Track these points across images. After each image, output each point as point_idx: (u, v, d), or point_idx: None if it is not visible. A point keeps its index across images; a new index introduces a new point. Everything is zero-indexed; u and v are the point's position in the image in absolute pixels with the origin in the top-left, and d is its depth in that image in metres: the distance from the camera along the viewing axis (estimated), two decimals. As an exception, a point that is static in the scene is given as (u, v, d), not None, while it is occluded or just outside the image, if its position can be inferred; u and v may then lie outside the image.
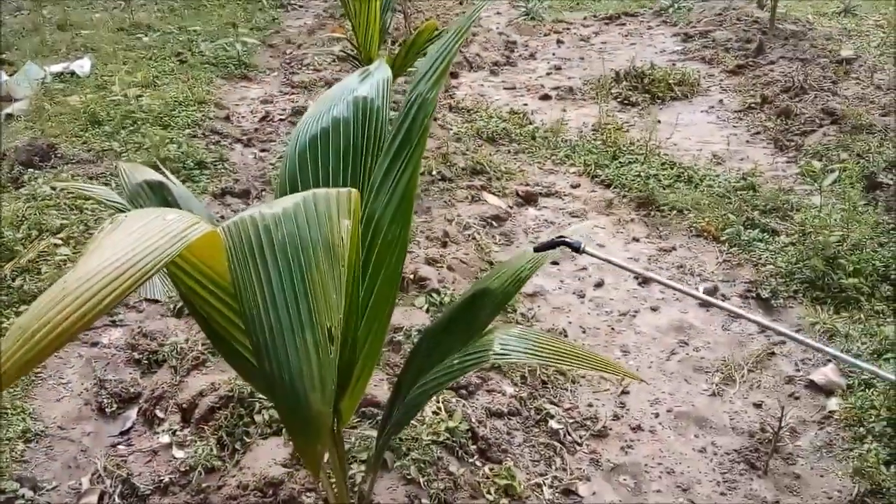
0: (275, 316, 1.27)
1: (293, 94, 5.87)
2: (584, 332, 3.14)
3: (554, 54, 7.14)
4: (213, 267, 1.45)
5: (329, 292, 1.27)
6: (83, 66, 5.83)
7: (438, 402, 2.48)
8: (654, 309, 3.30)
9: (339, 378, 1.58)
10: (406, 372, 1.70)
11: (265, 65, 6.58)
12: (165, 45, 6.72)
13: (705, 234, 3.84)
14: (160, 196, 1.74)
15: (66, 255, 3.39)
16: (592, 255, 1.70)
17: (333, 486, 1.83)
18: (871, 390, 2.64)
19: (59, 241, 3.48)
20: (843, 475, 2.41)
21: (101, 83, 5.60)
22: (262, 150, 4.85)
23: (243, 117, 5.38)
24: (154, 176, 1.79)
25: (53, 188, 3.92)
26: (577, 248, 1.84)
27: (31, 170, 4.24)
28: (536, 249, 1.84)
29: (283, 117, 5.38)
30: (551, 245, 1.79)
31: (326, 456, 2.06)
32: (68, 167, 4.32)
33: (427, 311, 3.02)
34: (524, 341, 1.59)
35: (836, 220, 3.51)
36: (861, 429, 2.52)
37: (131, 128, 4.79)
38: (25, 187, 4.03)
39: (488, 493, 2.27)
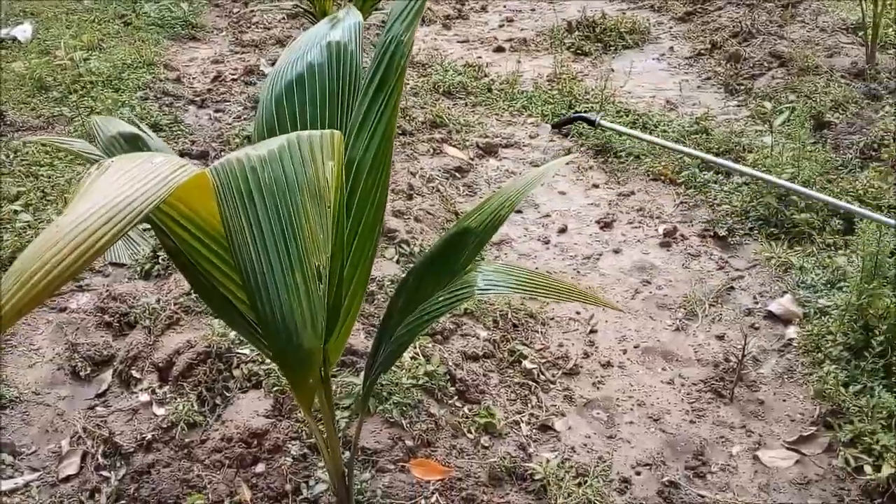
0: (265, 256, 1.30)
1: (244, 53, 5.78)
2: (550, 275, 3.21)
3: (505, 6, 7.13)
4: (198, 213, 1.46)
5: (316, 232, 1.29)
6: (25, 31, 5.64)
7: (416, 347, 2.53)
8: (616, 251, 3.38)
9: (326, 321, 1.62)
10: (391, 312, 1.74)
11: (213, 25, 6.45)
12: (108, 8, 6.52)
13: (662, 177, 3.93)
14: (136, 147, 1.73)
15: (27, 220, 3.33)
16: (608, 128, 1.67)
17: (322, 430, 1.87)
18: (827, 317, 2.77)
19: (19, 208, 3.41)
20: (805, 398, 2.54)
21: (44, 48, 5.43)
22: (217, 111, 4.78)
23: (195, 78, 5.28)
24: (128, 128, 1.78)
25: (21, 147, 3.82)
26: (592, 122, 1.83)
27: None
28: (554, 126, 1.82)
29: (235, 77, 5.30)
30: (568, 121, 1.80)
31: (315, 400, 2.10)
32: (18, 134, 4.21)
33: (397, 262, 3.05)
34: (506, 276, 1.64)
35: (786, 158, 3.62)
36: (819, 354, 2.64)
37: (80, 92, 4.68)
38: (-25, 156, 3.93)
39: (469, 431, 2.34)
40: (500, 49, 5.99)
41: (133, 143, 1.76)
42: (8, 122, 4.31)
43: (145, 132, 1.85)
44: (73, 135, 4.19)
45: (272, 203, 1.28)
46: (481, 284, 1.61)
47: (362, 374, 2.39)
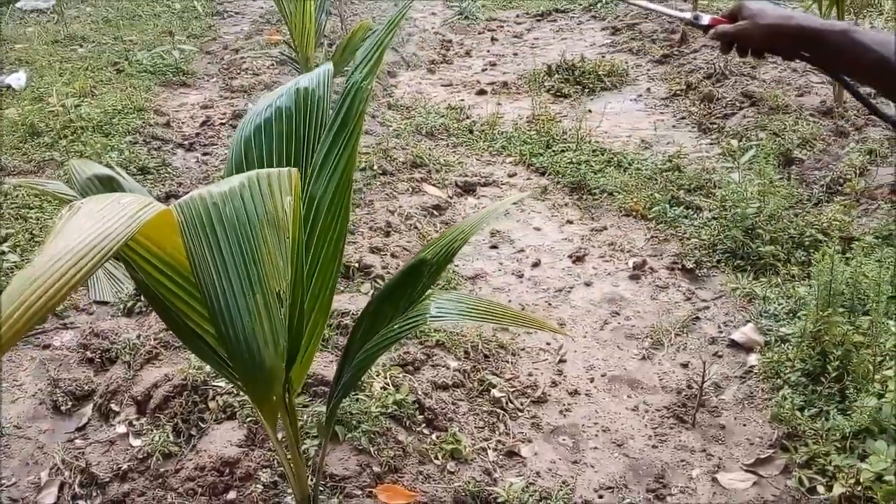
0: (227, 283, 1.40)
1: (233, 98, 5.94)
2: (523, 308, 3.30)
3: (489, 51, 7.34)
4: (165, 249, 1.56)
5: (276, 260, 1.39)
6: (19, 79, 5.81)
7: (386, 377, 2.62)
8: (587, 284, 3.48)
9: (288, 349, 1.71)
10: (352, 340, 1.83)
11: (203, 71, 6.63)
12: (101, 56, 6.71)
13: (634, 213, 4.05)
14: (110, 188, 1.83)
15: (14, 261, 3.43)
16: (633, 4, 1.71)
17: (289, 458, 1.95)
18: (787, 345, 2.86)
19: (6, 249, 3.51)
20: (764, 423, 2.62)
21: (37, 95, 5.59)
22: (205, 154, 4.92)
23: (184, 123, 5.43)
24: (103, 170, 1.89)
25: (12, 191, 3.94)
26: None
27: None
28: None
29: (223, 121, 5.45)
30: None
31: (281, 434, 2.19)
32: (9, 179, 4.33)
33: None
34: (458, 304, 1.74)
35: (753, 193, 3.74)
36: (778, 380, 2.73)
37: (71, 137, 4.81)
38: (-34, 200, 4.05)
39: (436, 457, 2.42)
40: (482, 92, 6.17)
41: (107, 185, 1.87)
42: (0, 167, 4.44)
43: (120, 174, 1.96)
44: (62, 178, 4.31)
45: (233, 234, 1.39)
46: (434, 312, 1.70)
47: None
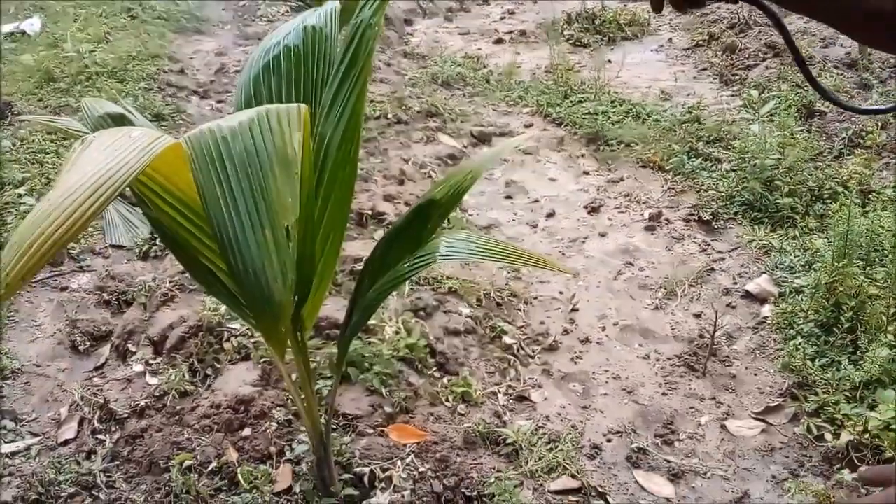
0: (237, 218, 1.40)
1: (247, 45, 5.89)
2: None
3: (507, -1, 7.22)
4: (178, 186, 1.57)
5: (285, 196, 1.39)
6: (33, 24, 5.78)
7: (398, 322, 2.63)
8: (602, 235, 3.47)
9: (299, 288, 1.73)
10: (362, 280, 1.84)
11: (217, 18, 6.57)
12: (115, 2, 6.65)
13: (651, 164, 4.01)
14: (121, 125, 1.84)
15: (31, 204, 3.46)
16: None
17: (302, 396, 1.98)
18: (801, 296, 2.85)
19: (23, 192, 3.54)
20: (775, 372, 2.63)
21: (52, 41, 5.56)
22: (219, 102, 4.90)
23: (198, 70, 5.41)
24: (115, 108, 1.89)
25: (28, 136, 3.95)
26: None
27: (-11, 127, 4.27)
28: None
29: (237, 69, 5.41)
30: None
31: (294, 374, 2.22)
32: (26, 123, 4.34)
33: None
34: (468, 243, 1.74)
35: (772, 144, 3.69)
36: (791, 330, 2.73)
37: (86, 83, 4.81)
38: (-17, 144, 4.07)
39: (446, 400, 2.44)
40: (500, 41, 6.09)
41: (119, 122, 1.87)
42: (16, 112, 4.45)
43: (131, 112, 1.96)
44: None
45: (242, 169, 1.38)
46: (444, 251, 1.71)
47: (345, 345, 2.49)
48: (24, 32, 5.72)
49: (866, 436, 2.23)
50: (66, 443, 2.41)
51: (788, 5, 1.28)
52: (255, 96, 1.83)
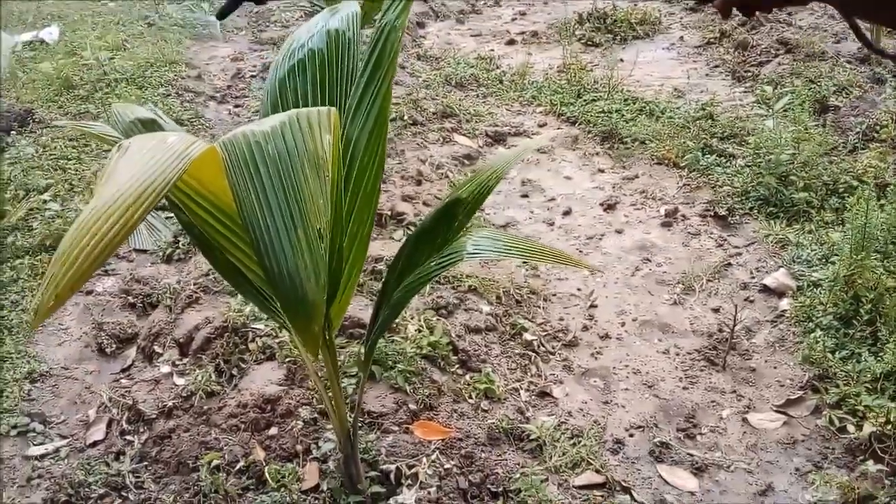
0: (271, 220, 1.44)
1: (262, 50, 5.95)
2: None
3: (518, 0, 7.24)
4: (210, 189, 1.61)
5: (316, 197, 1.43)
6: (52, 33, 5.86)
7: (420, 320, 2.67)
8: (618, 232, 3.49)
9: (329, 287, 1.76)
10: (389, 278, 1.87)
11: (232, 24, 6.63)
12: (132, 10, 6.73)
13: (666, 161, 4.03)
14: (152, 130, 1.88)
15: (55, 210, 3.51)
16: None
17: (329, 394, 2.01)
18: (819, 289, 2.86)
19: (48, 198, 3.60)
20: (795, 365, 2.64)
21: (70, 49, 5.63)
22: (237, 106, 4.95)
23: (215, 76, 5.46)
24: (145, 113, 1.93)
25: (50, 143, 4.01)
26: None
27: (11, 134, 4.33)
28: (219, 16, 1.64)
29: (254, 73, 5.47)
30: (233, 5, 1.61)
31: (322, 369, 2.25)
32: (47, 131, 4.41)
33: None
34: (494, 241, 1.77)
35: (787, 140, 3.70)
36: (810, 324, 2.74)
37: (105, 90, 4.87)
38: (7, 152, 4.13)
39: (470, 396, 2.47)
40: (511, 42, 6.12)
41: (149, 127, 1.91)
42: (37, 120, 4.51)
43: (161, 117, 2.00)
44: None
45: (275, 172, 1.42)
46: (470, 249, 1.74)
47: (369, 344, 2.53)
48: (42, 41, 5.80)
49: (889, 427, 2.24)
50: (94, 444, 2.46)
51: (861, 16, 1.29)
52: (281, 99, 1.87)
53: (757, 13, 1.25)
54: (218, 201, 1.63)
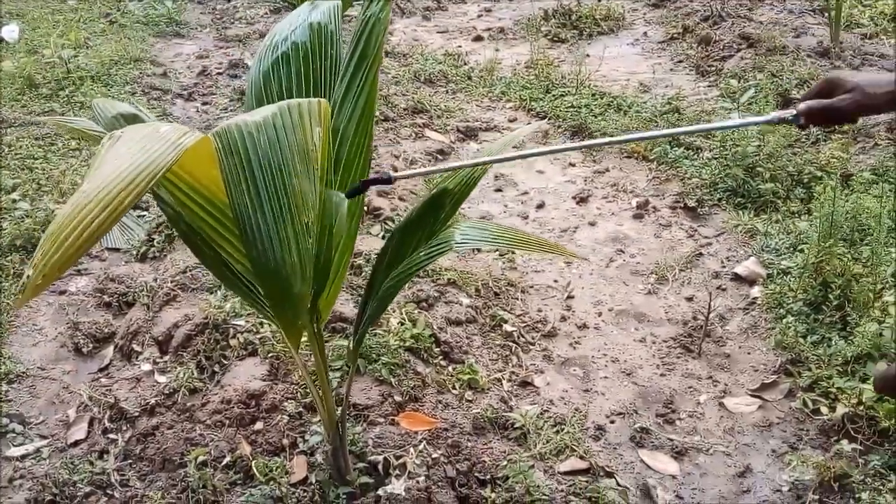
0: (260, 212, 1.44)
1: (228, 47, 5.91)
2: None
3: (483, -3, 7.28)
4: (198, 178, 1.60)
5: (306, 191, 1.43)
6: (12, 31, 5.74)
7: (402, 314, 2.68)
8: (592, 224, 3.54)
9: (316, 279, 1.77)
10: (377, 269, 1.89)
11: (196, 21, 6.57)
12: (92, 7, 6.63)
13: (635, 155, 4.09)
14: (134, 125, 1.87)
15: (25, 209, 3.46)
16: (404, 177, 1.61)
17: (317, 384, 2.02)
18: (789, 277, 2.94)
19: (17, 197, 3.54)
20: (767, 351, 2.71)
21: (31, 48, 5.53)
22: (204, 104, 4.91)
23: (181, 73, 5.41)
24: (127, 108, 1.92)
25: (15, 142, 3.94)
26: (387, 181, 1.65)
27: (-27, 134, 4.25)
28: (349, 196, 1.70)
29: (220, 71, 5.43)
30: (361, 188, 1.69)
31: (311, 360, 2.25)
32: (11, 130, 4.33)
33: (382, 237, 3.20)
34: (483, 231, 1.80)
35: (752, 132, 3.79)
36: (781, 310, 2.81)
37: (70, 88, 4.79)
38: (-30, 151, 4.05)
39: (453, 387, 2.50)
40: (478, 38, 6.15)
41: (132, 121, 1.90)
42: (1, 119, 4.43)
43: (143, 112, 1.99)
44: (63, 129, 4.31)
45: (266, 163, 1.42)
46: (458, 239, 1.76)
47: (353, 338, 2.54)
48: (2, 40, 5.68)
49: (861, 407, 2.32)
50: (76, 444, 2.43)
51: None
52: (265, 92, 1.87)
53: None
54: (208, 193, 1.62)
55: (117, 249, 3.39)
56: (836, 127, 1.28)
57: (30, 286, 1.15)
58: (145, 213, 3.59)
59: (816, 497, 2.15)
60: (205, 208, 1.65)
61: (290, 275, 1.48)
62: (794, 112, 1.34)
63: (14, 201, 3.51)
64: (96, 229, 1.17)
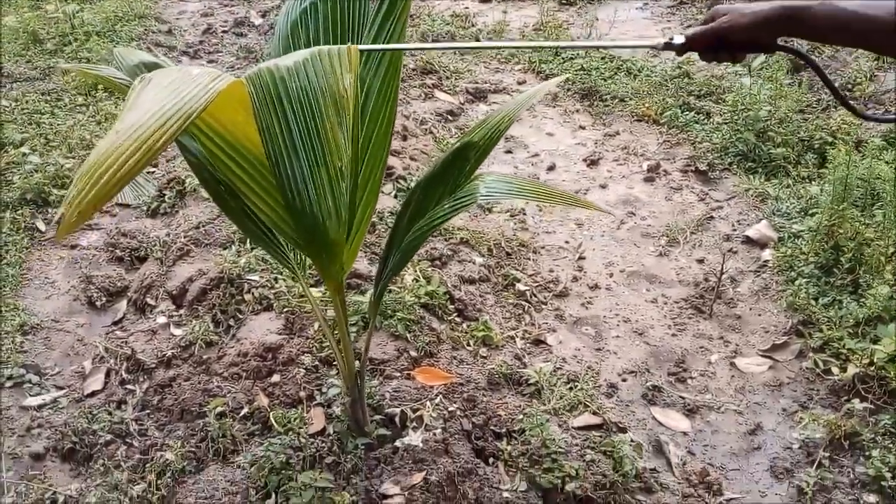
0: (295, 157, 1.45)
1: (232, 5, 5.84)
2: (540, 210, 3.37)
3: (489, -41, 7.19)
4: (226, 126, 1.60)
5: (338, 137, 1.43)
6: (13, -15, 5.67)
7: (416, 271, 2.69)
8: (602, 186, 3.54)
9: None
10: (399, 222, 1.89)
11: (200, -21, 6.48)
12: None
13: (646, 118, 4.08)
14: (158, 73, 1.85)
15: (35, 163, 3.44)
16: (366, 49, 1.62)
17: (336, 335, 2.04)
18: (800, 240, 2.95)
19: (27, 151, 3.52)
20: (779, 312, 2.73)
21: (34, 3, 5.47)
22: (210, 62, 4.87)
23: (186, 31, 5.36)
24: (149, 57, 1.91)
25: (21, 97, 3.91)
26: None
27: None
28: None
29: (225, 29, 5.38)
30: None
31: (330, 312, 2.27)
32: (17, 85, 4.30)
33: (395, 196, 3.20)
34: (506, 184, 1.80)
35: (763, 97, 3.77)
36: (792, 273, 2.83)
37: (75, 44, 4.75)
38: (-23, 105, 4.02)
39: (468, 344, 2.52)
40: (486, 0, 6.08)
41: (153, 70, 1.89)
42: (5, 74, 4.39)
43: (164, 61, 1.97)
44: (69, 84, 4.28)
45: (300, 109, 1.42)
46: (483, 192, 1.76)
47: (368, 293, 2.55)
48: (4, -6, 5.61)
49: (872, 368, 2.34)
50: (93, 394, 2.45)
51: (829, 40, 1.41)
52: (293, 41, 1.86)
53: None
54: (233, 139, 1.62)
55: (127, 205, 3.39)
56: (725, 62, 1.35)
57: (65, 223, 1.15)
58: (154, 169, 3.58)
59: (827, 454, 2.19)
60: (230, 155, 1.64)
61: (325, 218, 1.49)
62: (683, 39, 1.40)
63: (24, 155, 3.49)
64: (132, 167, 1.16)
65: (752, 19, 1.32)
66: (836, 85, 3.97)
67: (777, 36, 1.35)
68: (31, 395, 2.45)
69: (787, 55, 4.33)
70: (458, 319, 2.61)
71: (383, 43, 1.80)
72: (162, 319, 2.64)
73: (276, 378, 2.36)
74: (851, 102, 1.44)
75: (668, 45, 1.42)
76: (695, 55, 1.44)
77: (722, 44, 1.37)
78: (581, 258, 3.07)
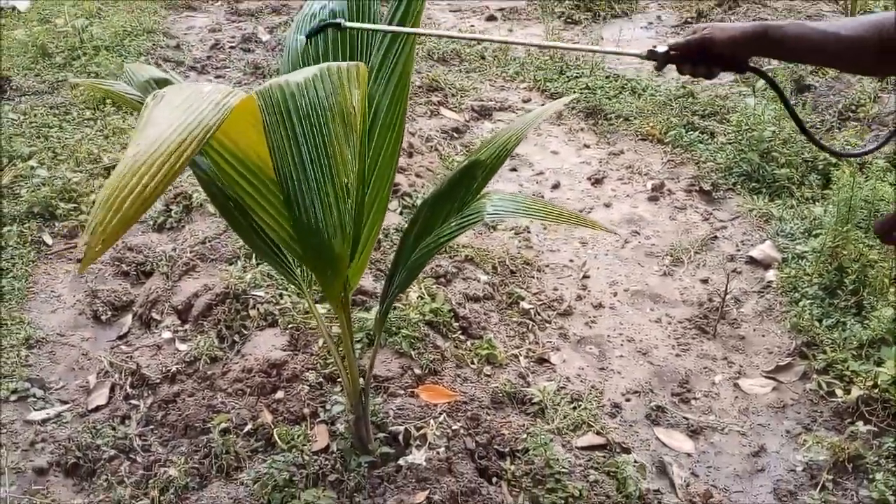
0: (303, 173, 1.46)
1: (240, 21, 5.88)
2: (544, 228, 3.38)
3: (495, -22, 7.24)
4: (235, 141, 1.61)
5: (345, 153, 1.45)
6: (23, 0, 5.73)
7: (421, 288, 2.70)
8: (607, 205, 3.55)
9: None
10: (406, 240, 1.90)
11: (208, -6, 6.53)
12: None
13: (650, 137, 4.10)
14: (169, 90, 1.87)
15: (43, 177, 3.46)
16: (356, 28, 1.70)
17: (341, 351, 2.04)
18: (804, 261, 2.95)
19: (35, 164, 3.54)
20: (782, 333, 2.73)
21: (43, 17, 5.52)
22: (218, 77, 4.90)
23: (193, 46, 5.39)
24: (159, 73, 1.92)
25: (30, 110, 3.93)
26: (337, 25, 1.71)
27: (-13, 102, 4.25)
28: (308, 36, 1.78)
29: (233, 45, 5.41)
30: (318, 30, 1.75)
31: (335, 328, 2.27)
32: (25, 98, 4.33)
33: (401, 213, 3.22)
34: (515, 203, 1.82)
35: (768, 117, 3.79)
36: (796, 293, 2.83)
37: (84, 58, 4.78)
38: (-14, 118, 4.05)
39: (472, 362, 2.52)
40: (491, 18, 6.12)
41: (163, 86, 1.91)
42: (14, 87, 4.42)
43: (174, 77, 1.99)
44: (78, 98, 4.31)
45: (308, 125, 1.44)
46: (490, 210, 1.78)
47: (373, 310, 2.56)
48: (14, 8, 5.66)
49: (875, 390, 2.34)
50: (97, 409, 2.45)
51: (804, 60, 1.48)
52: (302, 57, 1.87)
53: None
54: (243, 155, 1.63)
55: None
56: (700, 76, 1.40)
57: (89, 254, 1.15)
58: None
59: (830, 477, 2.18)
60: (240, 171, 1.66)
61: (330, 234, 1.50)
62: (667, 48, 1.43)
63: (32, 168, 3.51)
64: (152, 192, 1.17)
65: (730, 34, 1.37)
66: (840, 107, 4.01)
67: (752, 54, 1.40)
68: (35, 410, 2.45)
69: (788, 78, 4.36)
70: (462, 337, 2.62)
71: (392, 60, 1.82)
72: (167, 334, 2.65)
73: (280, 394, 2.36)
74: (818, 138, 1.50)
75: (652, 54, 1.46)
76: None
77: (701, 56, 1.41)
78: (585, 277, 3.07)
